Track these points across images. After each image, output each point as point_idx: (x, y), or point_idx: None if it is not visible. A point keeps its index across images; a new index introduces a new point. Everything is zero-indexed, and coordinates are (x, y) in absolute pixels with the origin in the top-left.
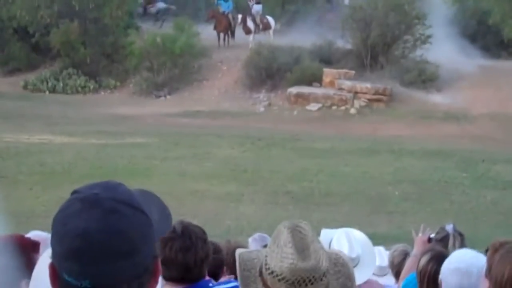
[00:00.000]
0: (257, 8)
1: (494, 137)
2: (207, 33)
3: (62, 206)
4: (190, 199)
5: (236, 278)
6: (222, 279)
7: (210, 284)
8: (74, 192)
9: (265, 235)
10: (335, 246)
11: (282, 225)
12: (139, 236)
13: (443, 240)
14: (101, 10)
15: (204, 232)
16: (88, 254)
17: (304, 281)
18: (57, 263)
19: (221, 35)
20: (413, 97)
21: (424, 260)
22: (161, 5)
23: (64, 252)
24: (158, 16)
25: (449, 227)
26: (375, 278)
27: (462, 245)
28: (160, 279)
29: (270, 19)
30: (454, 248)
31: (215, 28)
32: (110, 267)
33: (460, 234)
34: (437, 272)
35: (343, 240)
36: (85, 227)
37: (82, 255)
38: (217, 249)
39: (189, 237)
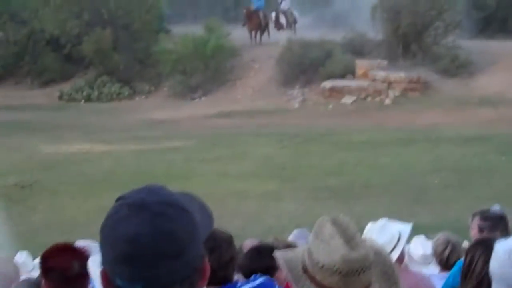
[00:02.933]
0: (285, 3)
1: None
2: (236, 32)
3: (110, 212)
4: (230, 199)
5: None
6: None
7: (239, 284)
8: (120, 198)
9: (305, 230)
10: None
11: (322, 219)
12: (187, 236)
13: (493, 224)
14: (130, 15)
15: (230, 236)
16: (140, 258)
17: (357, 271)
18: (109, 268)
19: (253, 33)
20: (447, 83)
21: (471, 250)
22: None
23: (116, 257)
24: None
25: (496, 209)
26: (419, 267)
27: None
28: None
29: (296, 13)
30: (507, 232)
31: (245, 25)
32: (161, 269)
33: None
34: (485, 262)
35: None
36: (136, 231)
37: (135, 259)
38: (268, 252)
39: (214, 240)
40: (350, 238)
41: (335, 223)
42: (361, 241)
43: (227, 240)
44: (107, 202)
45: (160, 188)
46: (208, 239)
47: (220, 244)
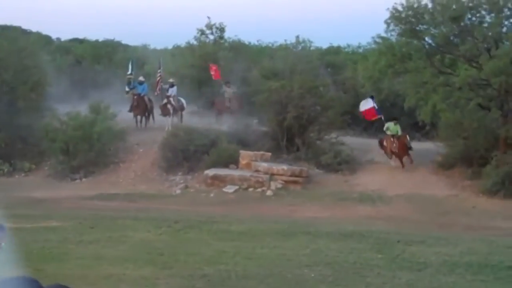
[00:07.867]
0: (172, 90)
1: (409, 218)
2: (122, 114)
3: None
4: (105, 284)
5: None
6: None
7: None
8: None
9: None
10: None
11: None
12: None
13: None
14: (15, 92)
15: None
16: None
17: None
18: None
19: (138, 117)
20: (329, 178)
21: None
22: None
23: None
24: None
25: None
26: None
27: None
28: None
29: (183, 101)
30: None
31: (131, 110)
32: None
33: None
34: None
35: None
36: None
37: None
38: None
39: None
40: None
41: None
42: None
43: None
44: None
45: (31, 281)
46: None
47: None
